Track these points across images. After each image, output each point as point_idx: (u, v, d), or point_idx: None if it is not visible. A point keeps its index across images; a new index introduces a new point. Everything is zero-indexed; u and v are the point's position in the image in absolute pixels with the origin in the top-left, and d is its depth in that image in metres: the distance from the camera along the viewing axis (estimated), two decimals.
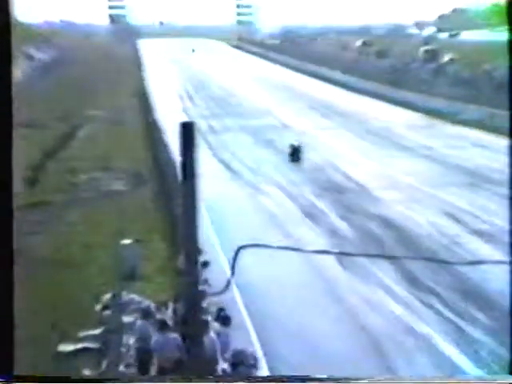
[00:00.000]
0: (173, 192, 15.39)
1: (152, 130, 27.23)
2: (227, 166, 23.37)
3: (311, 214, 17.31)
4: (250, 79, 49.64)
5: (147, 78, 47.56)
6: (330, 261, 13.07)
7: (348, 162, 23.04)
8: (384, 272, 13.06)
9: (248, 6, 59.78)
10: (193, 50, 66.21)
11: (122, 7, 60.52)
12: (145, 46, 67.65)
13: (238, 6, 59.26)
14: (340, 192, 19.41)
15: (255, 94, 41.90)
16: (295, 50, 58.45)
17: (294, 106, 37.08)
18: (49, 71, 43.41)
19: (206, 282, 9.54)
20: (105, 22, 61.54)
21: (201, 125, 30.32)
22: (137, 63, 56.29)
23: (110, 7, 58.44)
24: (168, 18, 70.61)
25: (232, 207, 18.23)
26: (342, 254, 14.22)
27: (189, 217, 5.82)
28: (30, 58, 43.40)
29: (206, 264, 10.46)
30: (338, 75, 46.56)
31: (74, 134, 28.44)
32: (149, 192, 18.81)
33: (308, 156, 23.94)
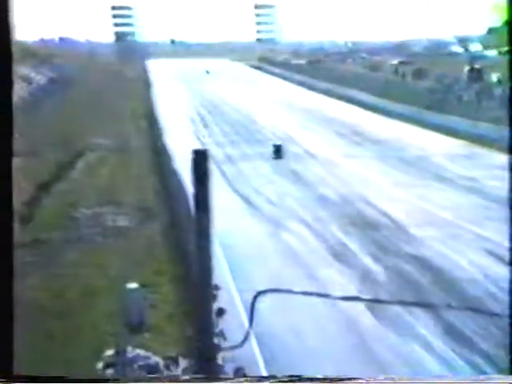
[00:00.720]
0: (184, 227, 15.44)
1: (161, 159, 27.45)
2: (245, 199, 23.48)
3: (339, 254, 17.24)
4: (271, 103, 50.07)
5: (156, 101, 48.29)
6: (360, 309, 12.95)
7: (380, 195, 23.02)
8: (421, 322, 12.88)
9: (269, 23, 60.05)
10: (207, 72, 66.80)
11: (129, 24, 61.10)
12: (154, 67, 68.33)
13: (258, 24, 59.54)
14: (371, 228, 19.32)
15: (277, 119, 42.22)
16: (322, 70, 58.83)
17: (320, 132, 37.35)
18: (47, 94, 43.96)
19: (221, 333, 9.41)
20: (109, 39, 62.03)
21: (216, 152, 30.60)
22: (145, 85, 57.05)
23: (116, 24, 58.97)
24: (180, 35, 71.09)
25: (250, 245, 18.19)
26: (373, 302, 14.07)
27: (202, 257, 5.78)
28: (26, 79, 44.02)
29: (221, 312, 10.35)
30: (369, 98, 46.60)
31: (75, 163, 28.79)
32: (157, 228, 18.86)
33: (336, 188, 23.97)
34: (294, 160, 29.79)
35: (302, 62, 64.85)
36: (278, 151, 30.72)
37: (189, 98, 53.77)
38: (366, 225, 19.70)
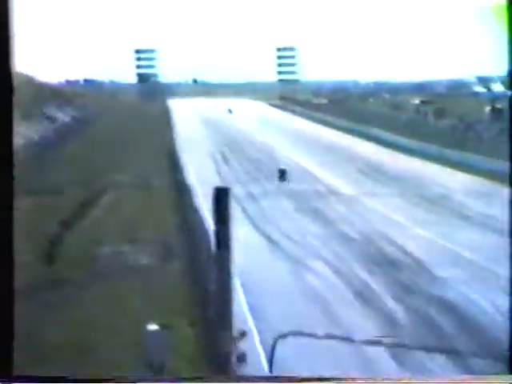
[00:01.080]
0: (204, 265, 15.50)
1: (183, 196, 27.55)
2: (266, 237, 23.40)
3: (361, 295, 17.06)
4: (293, 141, 50.18)
5: (178, 139, 48.71)
6: (382, 353, 12.72)
7: (402, 234, 22.83)
8: (444, 369, 12.59)
9: (291, 64, 60.36)
10: (229, 111, 66.91)
11: (152, 66, 61.93)
12: (176, 106, 68.71)
13: (279, 65, 59.89)
14: (394, 268, 19.11)
15: (299, 158, 42.27)
16: (344, 109, 58.84)
17: (342, 171, 37.24)
18: (70, 133, 44.43)
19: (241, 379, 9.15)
20: (132, 80, 62.69)
21: (237, 190, 30.59)
22: (167, 124, 57.14)
23: (139, 66, 59.79)
24: (202, 75, 71.50)
25: (271, 284, 18.05)
26: (396, 346, 13.75)
27: (222, 297, 5.71)
28: (50, 118, 44.64)
29: (242, 358, 10.13)
30: (391, 137, 46.54)
31: (97, 200, 28.89)
32: (178, 266, 18.79)
33: (358, 226, 23.85)
34: (315, 197, 29.76)
35: (324, 101, 64.79)
36: (282, 175, 32.59)
37: (211, 136, 53.95)
38: (388, 264, 19.52)
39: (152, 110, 62.01)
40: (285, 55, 65.88)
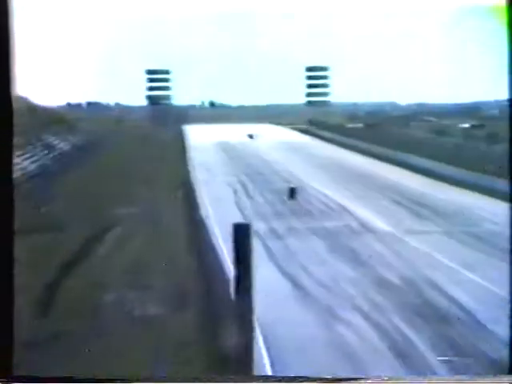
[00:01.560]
0: (222, 314, 15.63)
1: (198, 233, 27.86)
2: (293, 282, 23.34)
3: (402, 353, 16.72)
4: (323, 171, 50.26)
5: (193, 169, 49.13)
6: None
7: (449, 279, 22.61)
8: None
9: (323, 85, 60.13)
10: (251, 137, 67.26)
11: (165, 88, 62.23)
12: (191, 132, 69.13)
13: (309, 86, 59.78)
14: (441, 321, 18.79)
15: (329, 189, 42.25)
16: (381, 135, 58.70)
17: (379, 204, 37.16)
18: (72, 162, 44.69)
19: None
20: (142, 102, 62.96)
21: (259, 226, 30.79)
22: (181, 152, 57.88)
23: (150, 88, 60.11)
24: (220, 97, 71.90)
25: (297, 337, 17.86)
26: None
27: (242, 357, 5.63)
28: (49, 147, 45.04)
29: None
30: (436, 165, 46.21)
31: (101, 238, 29.04)
32: (191, 317, 18.75)
33: (398, 269, 23.69)
34: (348, 235, 29.76)
35: (359, 125, 64.68)
36: (292, 193, 33.92)
37: (229, 165, 54.28)
38: (433, 316, 19.20)
39: (164, 136, 62.28)
40: (315, 75, 66.17)
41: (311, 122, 70.87)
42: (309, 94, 69.00)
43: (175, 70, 64.77)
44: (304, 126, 70.97)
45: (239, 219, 31.68)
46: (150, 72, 63.85)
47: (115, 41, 54.75)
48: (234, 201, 38.81)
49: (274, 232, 30.91)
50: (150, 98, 66.58)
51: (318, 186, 43.37)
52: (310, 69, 65.51)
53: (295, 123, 71.41)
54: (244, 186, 44.23)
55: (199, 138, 68.36)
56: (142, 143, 55.28)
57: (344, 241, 28.88)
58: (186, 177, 44.37)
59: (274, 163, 53.74)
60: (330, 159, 56.57)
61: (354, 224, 32.23)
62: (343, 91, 67.49)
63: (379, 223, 32.31)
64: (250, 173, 49.14)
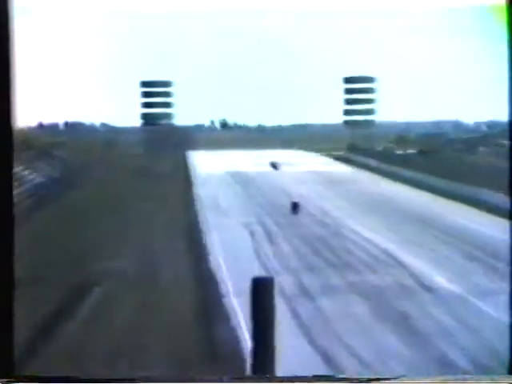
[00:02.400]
0: None
1: (206, 293, 27.71)
2: (326, 356, 23.14)
3: None
4: (366, 210, 49.98)
5: (201, 207, 49.11)
6: None
7: None
8: None
9: (367, 101, 59.92)
10: (274, 166, 67.44)
11: (164, 104, 62.37)
12: (197, 160, 69.26)
13: (348, 102, 59.52)
14: None
15: (375, 233, 42.07)
16: (441, 163, 58.48)
17: (439, 253, 36.83)
18: (46, 198, 44.97)
19: None
20: (135, 123, 63.19)
21: (285, 282, 30.90)
22: (184, 186, 57.94)
23: (146, 104, 60.35)
24: (234, 116, 71.97)
25: None
26: None
27: None
28: (17, 179, 45.04)
29: None
30: (506, 201, 45.90)
31: (80, 300, 28.89)
32: None
33: (468, 348, 23.37)
34: (399, 295, 29.55)
35: (411, 151, 64.59)
36: (295, 207, 37.16)
37: (247, 202, 54.25)
38: None
39: (163, 165, 62.59)
40: (356, 88, 66.19)
41: (351, 148, 70.77)
42: (348, 112, 69.13)
43: (178, 81, 65.30)
44: (342, 153, 70.95)
45: (259, 273, 31.62)
46: (145, 84, 64.31)
47: (102, 45, 55.07)
48: (253, 249, 38.72)
49: (303, 290, 30.85)
50: (145, 116, 67.10)
51: (361, 229, 43.27)
52: (349, 80, 65.50)
53: (330, 149, 71.41)
54: (266, 229, 44.03)
55: (208, 167, 69.08)
56: (135, 175, 55.52)
57: (393, 302, 28.65)
58: (192, 219, 44.40)
59: (303, 200, 52.46)
60: (376, 195, 56.41)
61: (407, 279, 32.07)
62: (392, 108, 67.35)
63: (440, 279, 31.96)
64: (273, 213, 48.87)
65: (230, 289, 28.92)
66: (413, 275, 32.70)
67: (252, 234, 42.52)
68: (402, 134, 67.59)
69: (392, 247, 38.36)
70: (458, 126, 64.42)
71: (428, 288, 30.64)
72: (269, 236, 41.95)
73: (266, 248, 38.93)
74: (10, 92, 15.32)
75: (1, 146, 15.20)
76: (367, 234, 42.03)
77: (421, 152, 63.79)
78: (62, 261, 32.24)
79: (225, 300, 26.75)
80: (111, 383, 10.25)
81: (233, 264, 33.57)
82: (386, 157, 65.87)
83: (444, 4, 45.65)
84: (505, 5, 18.23)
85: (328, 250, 38.16)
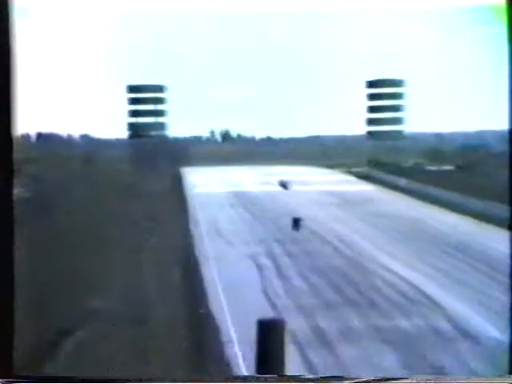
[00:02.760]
0: None
1: (203, 339, 28.49)
2: None
3: None
4: (394, 238, 49.84)
5: (198, 234, 49.03)
6: None
7: None
8: None
9: (393, 108, 59.42)
10: (283, 185, 67.16)
11: (155, 112, 62.20)
12: (193, 178, 69.17)
13: (372, 109, 59.06)
14: None
15: (404, 267, 41.87)
16: (483, 181, 57.92)
17: (484, 292, 36.53)
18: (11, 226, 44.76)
19: None
20: (121, 134, 63.00)
21: (297, 325, 30.78)
22: (178, 208, 57.66)
23: (134, 113, 60.06)
24: (237, 126, 71.60)
25: None
26: None
27: None
28: None
29: None
30: None
31: (60, 344, 29.60)
32: None
33: None
34: (436, 344, 29.45)
35: (447, 167, 64.23)
36: (296, 223, 40.56)
37: (253, 228, 54.22)
38: None
39: (155, 183, 62.41)
40: (381, 93, 65.64)
41: (374, 163, 70.26)
42: (371, 121, 68.49)
43: (171, 85, 64.76)
44: (363, 169, 70.45)
45: (267, 314, 31.64)
46: (133, 89, 63.71)
47: (81, 42, 54.70)
48: (260, 284, 38.62)
49: (319, 334, 30.81)
50: (133, 126, 66.59)
51: (387, 260, 43.28)
52: (373, 84, 64.79)
53: (350, 164, 71.01)
54: (275, 260, 43.90)
55: (207, 186, 69.21)
56: (120, 196, 55.38)
57: (428, 353, 28.46)
58: (187, 249, 44.38)
59: (318, 225, 53.27)
60: (405, 219, 56.25)
61: (444, 324, 31.99)
62: (423, 116, 66.73)
63: (488, 327, 31.64)
64: (283, 240, 48.66)
65: (233, 334, 29.24)
66: (451, 319, 32.71)
67: (259, 266, 42.54)
68: (436, 147, 67.15)
69: (424, 283, 38.27)
70: (499, 136, 63.39)
71: (470, 335, 30.66)
72: (278, 269, 41.92)
73: (276, 283, 38.96)
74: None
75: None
76: (395, 266, 42.04)
77: (458, 168, 63.38)
78: (38, 301, 32.03)
79: (225, 346, 27.19)
80: (111, 383, 11.49)
81: (236, 303, 33.71)
82: (417, 174, 65.55)
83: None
84: (505, 5, 20.00)
85: (348, 286, 38.24)
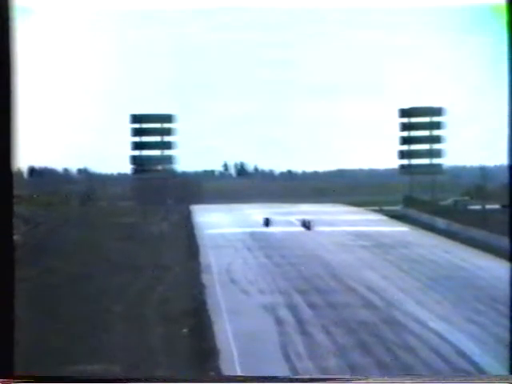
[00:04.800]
0: None
1: None
2: None
3: None
4: (432, 288, 49.07)
5: (209, 283, 48.74)
6: None
7: None
8: None
9: (432, 139, 59.03)
10: (305, 225, 66.83)
11: (162, 144, 62.08)
12: (203, 217, 69.24)
13: (404, 141, 58.55)
14: None
15: (444, 322, 41.50)
16: None
17: None
18: None
19: None
20: (124, 169, 62.94)
21: None
22: (186, 251, 57.56)
23: (137, 145, 59.95)
24: (254, 159, 71.25)
25: None
26: None
27: None
28: None
29: None
30: None
31: None
32: None
33: None
34: None
35: (492, 206, 63.55)
36: (267, 223, 45.76)
37: (272, 276, 53.55)
38: None
39: (161, 223, 62.37)
40: (417, 123, 65.17)
41: (409, 201, 69.57)
42: (404, 154, 67.84)
43: (180, 115, 64.42)
44: (396, 208, 69.76)
45: (285, 371, 33.10)
46: (137, 119, 63.62)
47: (82, 68, 54.45)
48: (279, 343, 38.34)
49: None
50: (136, 160, 66.39)
51: (426, 315, 42.81)
52: (407, 112, 64.37)
53: (380, 202, 70.45)
54: (296, 313, 43.28)
55: (220, 227, 69.04)
56: (122, 239, 55.17)
57: None
58: (196, 299, 44.29)
59: (345, 271, 52.92)
60: (446, 267, 55.38)
61: None
62: (464, 148, 66.11)
63: None
64: (305, 289, 48.18)
65: None
66: None
67: (278, 320, 42.08)
68: (479, 183, 66.64)
69: (470, 345, 38.03)
70: None
71: None
72: (301, 325, 41.45)
73: (297, 341, 38.65)
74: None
75: None
76: (435, 323, 41.52)
77: (504, 207, 62.47)
78: (31, 363, 30.40)
79: None
80: (111, 383, 13.29)
81: (250, 364, 33.94)
82: (458, 214, 65.08)
83: None
84: (505, 5, 22.14)
85: (379, 345, 38.07)
